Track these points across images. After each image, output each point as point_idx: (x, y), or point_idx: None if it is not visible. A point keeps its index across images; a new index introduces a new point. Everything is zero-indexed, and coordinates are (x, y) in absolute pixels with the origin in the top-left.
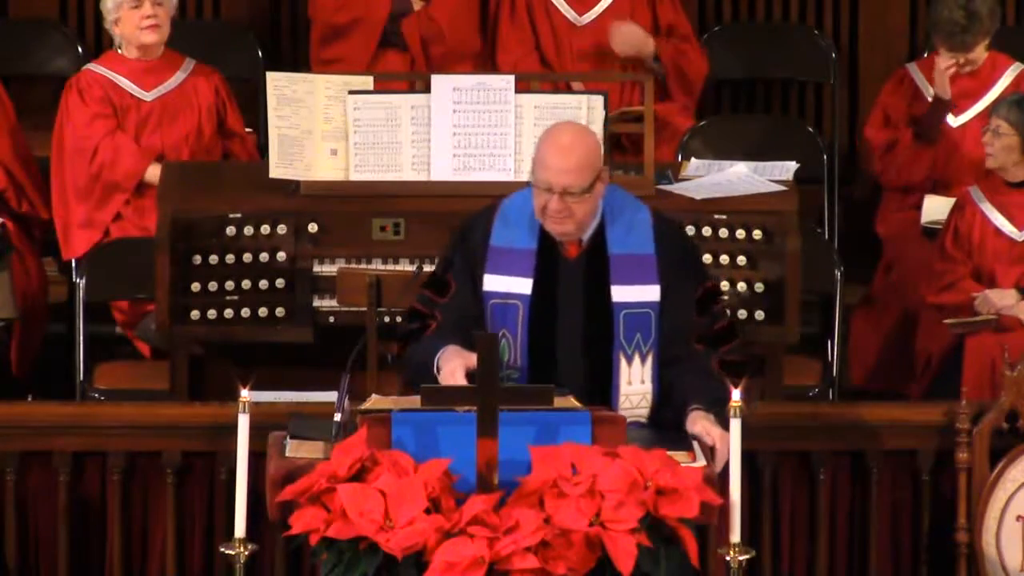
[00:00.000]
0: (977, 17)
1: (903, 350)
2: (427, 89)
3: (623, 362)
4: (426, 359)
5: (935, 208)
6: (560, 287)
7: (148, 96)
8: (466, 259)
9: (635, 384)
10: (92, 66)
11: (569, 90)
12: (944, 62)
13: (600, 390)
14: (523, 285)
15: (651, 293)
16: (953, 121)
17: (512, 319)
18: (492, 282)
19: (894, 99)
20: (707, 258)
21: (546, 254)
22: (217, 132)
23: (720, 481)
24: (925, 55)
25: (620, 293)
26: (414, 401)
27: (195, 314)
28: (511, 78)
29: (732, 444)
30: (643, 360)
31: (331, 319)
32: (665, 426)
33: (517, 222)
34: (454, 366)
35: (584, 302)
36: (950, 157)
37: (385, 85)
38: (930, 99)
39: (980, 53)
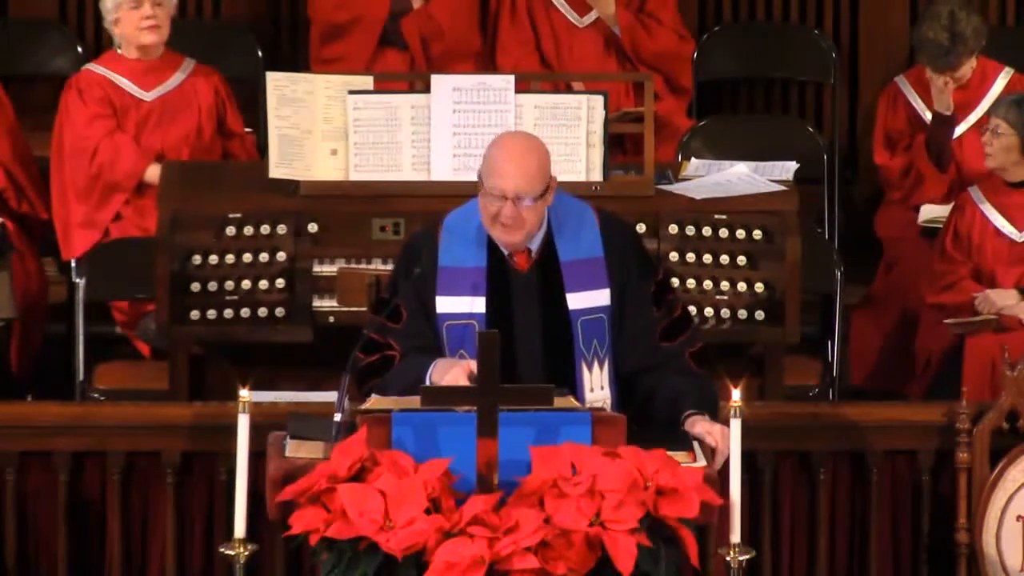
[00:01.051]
0: (962, 38)
1: (903, 350)
2: (427, 89)
3: (584, 369)
4: (411, 382)
5: (933, 208)
6: (514, 301)
7: (148, 96)
8: (414, 283)
9: (596, 391)
10: (92, 66)
11: (569, 90)
12: (941, 79)
13: None
14: (477, 304)
15: (602, 297)
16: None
17: (469, 339)
18: (445, 304)
19: (892, 118)
20: (707, 258)
21: (496, 270)
22: (217, 132)
23: (720, 481)
24: (914, 65)
25: (576, 300)
26: (414, 401)
27: (195, 314)
28: (511, 78)
29: (732, 444)
30: (601, 365)
31: (331, 319)
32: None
33: (463, 240)
34: (456, 373)
35: (540, 314)
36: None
37: (385, 85)
38: (921, 112)
39: (966, 70)
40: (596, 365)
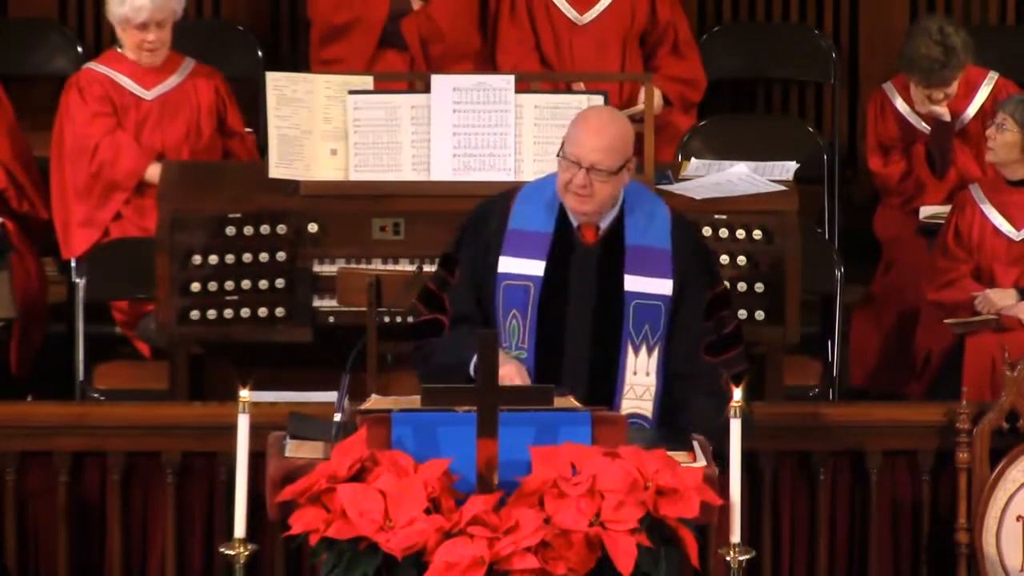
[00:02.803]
0: (954, 52)
1: (903, 350)
2: (427, 89)
3: (630, 352)
4: (454, 361)
5: (933, 205)
6: (573, 272)
7: (148, 95)
8: (477, 244)
9: (640, 375)
10: (92, 65)
11: (569, 90)
12: (938, 94)
13: (605, 378)
14: (536, 267)
15: (664, 287)
16: None
17: (523, 300)
18: (507, 264)
19: (883, 125)
20: None
21: (563, 238)
22: (217, 131)
23: (720, 481)
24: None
25: (633, 283)
26: (414, 401)
27: (195, 314)
28: (511, 78)
29: (732, 444)
30: (650, 352)
31: (331, 319)
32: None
33: (536, 205)
34: (510, 372)
35: (596, 288)
36: None
37: (385, 85)
38: (908, 116)
39: (955, 86)
40: (644, 350)
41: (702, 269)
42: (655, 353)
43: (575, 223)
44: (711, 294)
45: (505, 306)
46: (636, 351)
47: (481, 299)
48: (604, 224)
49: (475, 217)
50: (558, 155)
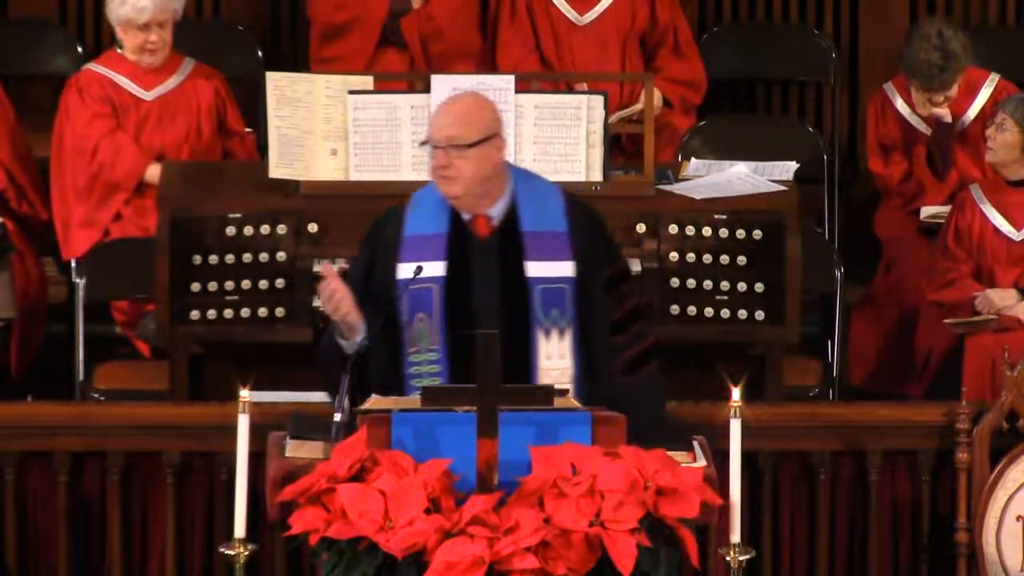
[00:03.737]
0: (954, 56)
1: (903, 350)
2: (427, 89)
3: (541, 337)
4: (329, 343)
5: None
6: (474, 267)
7: (148, 96)
8: (372, 251)
9: (554, 359)
10: (92, 65)
11: (570, 90)
12: (939, 97)
13: (519, 366)
14: (436, 268)
15: (565, 268)
16: None
17: (428, 302)
18: (406, 270)
19: (883, 126)
20: (707, 258)
21: (458, 236)
22: (217, 131)
23: (720, 481)
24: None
25: (535, 268)
26: (414, 401)
27: (195, 314)
28: (511, 78)
29: (732, 444)
30: (561, 335)
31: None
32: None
33: (427, 209)
34: (321, 288)
35: (499, 280)
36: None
37: (385, 85)
38: (909, 117)
39: (956, 88)
40: (556, 334)
41: (600, 247)
42: (567, 336)
43: (467, 218)
44: (610, 271)
45: (411, 311)
46: (547, 336)
47: (376, 304)
48: (496, 214)
49: (371, 230)
50: (420, 144)
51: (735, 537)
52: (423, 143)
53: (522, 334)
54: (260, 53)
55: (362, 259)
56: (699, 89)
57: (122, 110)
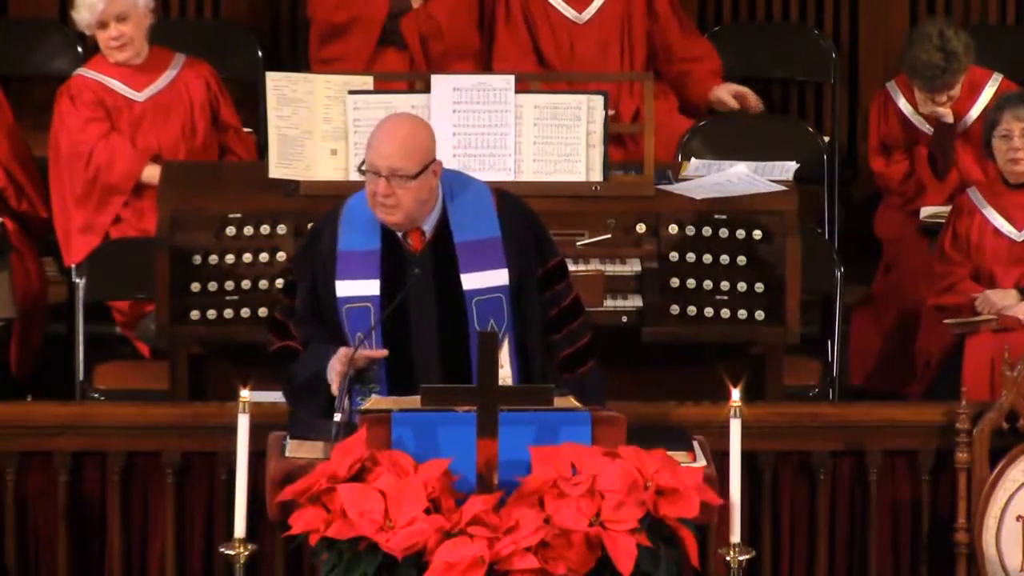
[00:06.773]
0: (955, 56)
1: (903, 350)
2: (427, 89)
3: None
4: (308, 374)
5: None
6: (409, 282)
7: (140, 96)
8: (314, 264)
9: None
10: (82, 71)
11: (569, 90)
12: (941, 97)
13: (459, 379)
14: (371, 287)
15: (500, 277)
16: None
17: (366, 321)
18: (344, 287)
19: (885, 124)
20: (707, 258)
21: (391, 252)
22: (212, 126)
23: (720, 481)
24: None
25: (470, 280)
26: (414, 401)
27: (195, 314)
28: (511, 78)
29: (732, 444)
30: (499, 344)
31: None
32: None
33: (360, 224)
34: (331, 366)
35: (435, 294)
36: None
37: (385, 85)
38: (912, 117)
39: (959, 88)
40: None
41: (533, 247)
42: (504, 343)
43: (399, 234)
44: (543, 270)
45: (351, 329)
46: None
47: (325, 318)
48: (428, 227)
49: (308, 239)
50: (359, 168)
51: (735, 537)
52: (360, 167)
53: (460, 347)
54: (260, 53)
55: (307, 278)
56: (717, 58)
57: (115, 113)
